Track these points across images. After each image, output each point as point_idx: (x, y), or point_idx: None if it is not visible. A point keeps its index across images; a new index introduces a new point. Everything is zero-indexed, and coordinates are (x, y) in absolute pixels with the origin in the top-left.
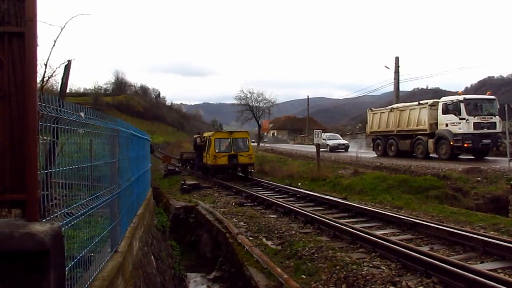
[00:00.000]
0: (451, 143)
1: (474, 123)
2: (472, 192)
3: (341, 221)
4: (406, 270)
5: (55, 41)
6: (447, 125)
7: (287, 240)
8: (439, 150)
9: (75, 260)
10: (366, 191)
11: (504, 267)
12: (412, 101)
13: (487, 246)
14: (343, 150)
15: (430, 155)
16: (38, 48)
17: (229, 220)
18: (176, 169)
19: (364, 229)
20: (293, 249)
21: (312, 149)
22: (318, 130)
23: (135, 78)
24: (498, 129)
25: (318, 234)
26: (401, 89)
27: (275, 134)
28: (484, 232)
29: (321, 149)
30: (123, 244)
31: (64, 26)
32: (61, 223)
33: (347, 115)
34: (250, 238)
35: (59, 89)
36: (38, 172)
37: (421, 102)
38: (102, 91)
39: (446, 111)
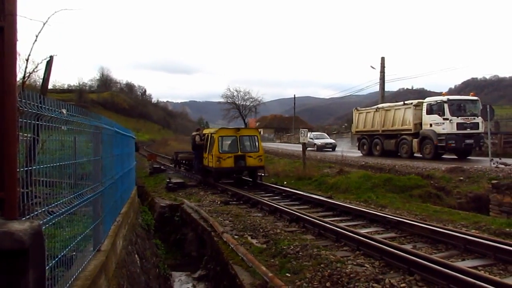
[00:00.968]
0: (435, 143)
1: (457, 123)
2: (455, 191)
3: (326, 219)
4: (389, 268)
5: (36, 36)
6: (431, 125)
7: (272, 238)
8: (423, 149)
9: (56, 259)
10: (351, 190)
11: (484, 264)
12: (397, 101)
13: (468, 244)
14: (331, 150)
15: (415, 154)
16: (18, 43)
17: (215, 219)
18: (161, 167)
19: (349, 228)
20: (278, 247)
21: (298, 148)
22: (304, 129)
23: (121, 75)
24: (481, 129)
25: (303, 233)
26: (386, 89)
27: (262, 132)
28: (466, 230)
29: (308, 148)
30: (106, 243)
31: (47, 21)
32: (41, 222)
33: (333, 115)
34: (236, 237)
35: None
36: (18, 170)
37: (406, 102)
38: (87, 87)
39: (430, 111)
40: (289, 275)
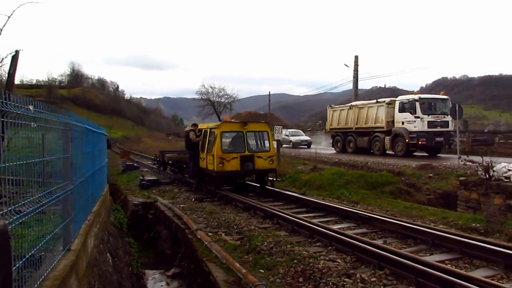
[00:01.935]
0: (407, 140)
1: (428, 121)
2: (424, 188)
3: (300, 216)
4: (360, 263)
5: (1, 30)
6: (403, 123)
7: (246, 235)
8: (395, 147)
9: (24, 259)
10: (325, 187)
11: (451, 258)
12: (370, 99)
13: (436, 239)
14: (306, 147)
15: (387, 152)
16: None
17: (189, 216)
18: (134, 164)
19: (322, 224)
20: (252, 244)
21: None
22: (278, 126)
23: (92, 70)
24: (451, 127)
25: (277, 229)
26: (360, 87)
27: None
28: (434, 225)
29: (284, 145)
30: (76, 242)
31: (11, 15)
32: (7, 221)
33: (308, 112)
34: (210, 234)
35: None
36: None
37: (379, 100)
38: (56, 83)
39: (402, 109)
40: (262, 271)
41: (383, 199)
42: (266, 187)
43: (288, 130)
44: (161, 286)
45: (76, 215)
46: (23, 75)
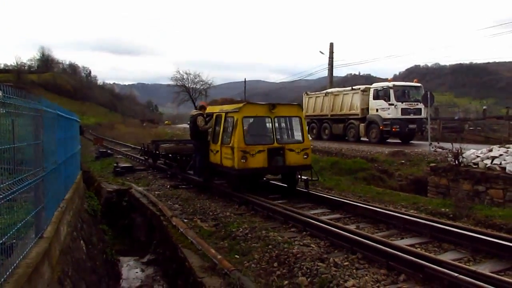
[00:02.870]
0: (381, 127)
1: (401, 108)
2: (397, 174)
3: (275, 202)
4: (334, 248)
5: None
6: (377, 110)
7: (222, 221)
8: (369, 134)
9: None
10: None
11: (421, 242)
12: (345, 86)
13: (407, 223)
14: None
15: (361, 138)
16: None
17: (164, 203)
18: (108, 151)
19: (296, 210)
20: (227, 230)
21: None
22: None
23: (63, 55)
24: (423, 115)
25: (252, 215)
26: (334, 74)
27: None
28: (405, 210)
29: None
30: (49, 230)
31: None
32: None
33: (284, 98)
34: (185, 221)
35: None
36: None
37: (354, 87)
38: (26, 68)
39: (376, 96)
40: (238, 256)
41: (356, 185)
42: (298, 188)
43: None
44: (136, 272)
45: (48, 203)
46: None
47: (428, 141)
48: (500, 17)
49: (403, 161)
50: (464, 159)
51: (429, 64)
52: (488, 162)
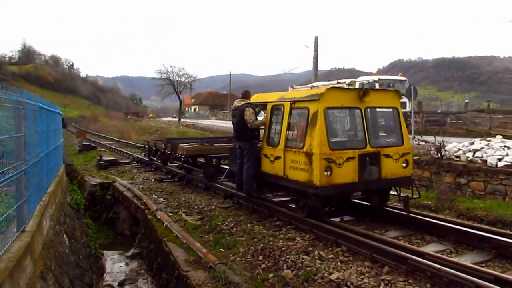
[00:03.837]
0: None
1: None
2: None
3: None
4: (319, 241)
5: None
6: None
7: (207, 215)
8: None
9: None
10: None
11: (404, 235)
12: (330, 80)
13: (392, 215)
14: None
15: None
16: None
17: (148, 197)
18: (92, 144)
19: (281, 203)
20: (212, 223)
21: None
22: None
23: (45, 47)
24: (408, 108)
25: (237, 209)
26: (319, 68)
27: (197, 109)
28: (389, 203)
29: None
30: (31, 223)
31: None
32: None
33: (270, 91)
34: (170, 214)
35: None
36: None
37: (339, 81)
38: (6, 59)
39: None
40: (223, 250)
41: None
42: (389, 209)
43: None
44: (120, 266)
45: (30, 196)
46: None
47: (411, 134)
48: (483, 13)
49: None
50: (447, 152)
51: (412, 58)
52: (470, 155)
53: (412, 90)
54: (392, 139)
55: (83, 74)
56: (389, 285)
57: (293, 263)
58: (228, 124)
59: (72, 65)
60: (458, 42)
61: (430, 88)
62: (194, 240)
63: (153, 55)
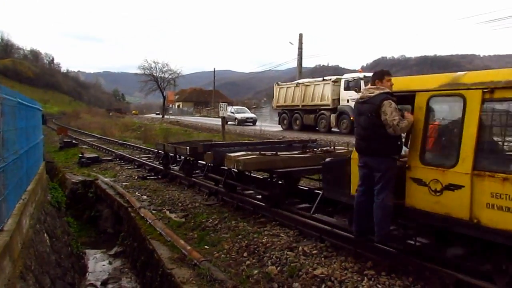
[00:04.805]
0: (352, 118)
1: None
2: None
3: (245, 192)
4: (303, 237)
5: None
6: (348, 100)
7: (191, 212)
8: (340, 124)
9: None
10: None
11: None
12: (314, 77)
13: None
14: (251, 124)
15: (332, 129)
16: None
17: (131, 194)
18: (73, 141)
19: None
20: (197, 221)
21: (217, 122)
22: (223, 103)
23: (24, 41)
24: None
25: (221, 206)
26: (304, 65)
27: (181, 106)
28: None
29: (229, 123)
30: (10, 222)
31: None
32: None
33: (253, 89)
34: (153, 212)
35: None
36: None
37: (325, 78)
38: None
39: (347, 87)
40: (207, 247)
41: None
42: None
43: (233, 107)
44: (103, 265)
45: (9, 194)
46: None
47: None
48: (464, 13)
49: None
50: None
51: (395, 56)
52: None
53: None
54: None
55: (63, 69)
56: (372, 279)
57: (278, 259)
58: (212, 121)
59: (53, 60)
60: (440, 41)
61: None
62: (178, 238)
63: (136, 50)
